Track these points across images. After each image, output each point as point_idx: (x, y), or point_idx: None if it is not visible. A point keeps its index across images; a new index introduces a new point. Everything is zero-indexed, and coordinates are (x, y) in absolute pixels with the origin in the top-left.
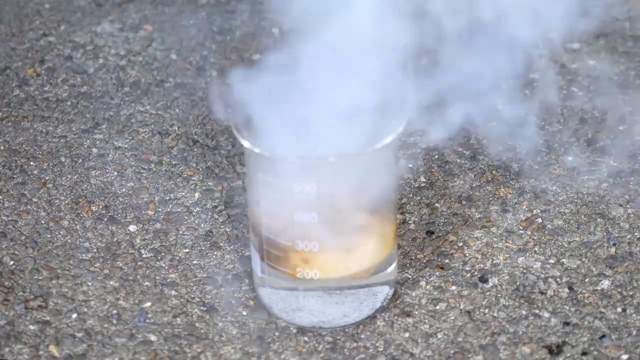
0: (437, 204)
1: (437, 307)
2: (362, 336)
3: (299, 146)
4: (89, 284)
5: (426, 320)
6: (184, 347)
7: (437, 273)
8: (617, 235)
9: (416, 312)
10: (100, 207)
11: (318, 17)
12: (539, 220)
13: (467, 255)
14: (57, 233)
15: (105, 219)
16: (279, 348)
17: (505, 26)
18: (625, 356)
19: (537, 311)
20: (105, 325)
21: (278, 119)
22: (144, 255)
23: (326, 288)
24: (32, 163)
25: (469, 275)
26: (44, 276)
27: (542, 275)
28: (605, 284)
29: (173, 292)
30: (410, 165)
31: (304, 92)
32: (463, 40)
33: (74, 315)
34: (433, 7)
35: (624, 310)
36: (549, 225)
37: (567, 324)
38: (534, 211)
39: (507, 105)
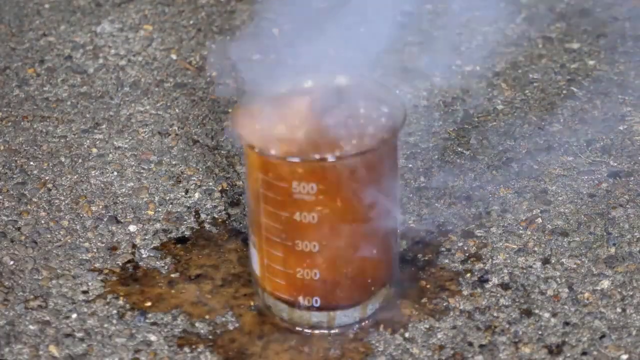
0: (437, 204)
1: (437, 307)
2: (362, 336)
3: (299, 146)
4: (89, 284)
5: (426, 320)
6: (184, 347)
7: (437, 273)
8: (617, 235)
9: (416, 312)
10: (100, 207)
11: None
12: (539, 220)
13: (467, 255)
14: (57, 233)
15: (105, 219)
16: (279, 348)
17: None
18: (625, 356)
19: (537, 311)
20: (105, 325)
21: (276, 119)
22: (144, 255)
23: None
24: (32, 163)
25: (469, 275)
26: (44, 276)
27: (542, 275)
28: (605, 284)
29: (173, 292)
30: (410, 165)
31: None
32: None
33: (74, 315)
34: None
35: (623, 310)
36: (549, 225)
37: (567, 324)
38: (534, 211)
39: None
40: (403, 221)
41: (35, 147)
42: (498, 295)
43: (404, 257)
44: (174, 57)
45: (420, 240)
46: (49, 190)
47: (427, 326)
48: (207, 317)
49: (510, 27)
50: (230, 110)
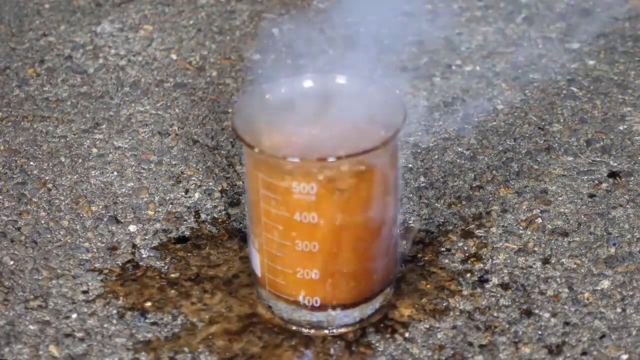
0: (437, 204)
1: (437, 307)
2: (363, 336)
3: (299, 146)
4: (89, 284)
5: (426, 320)
6: (184, 347)
7: (437, 273)
8: (617, 235)
9: (416, 312)
10: (100, 207)
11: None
12: (539, 220)
13: (467, 255)
14: (57, 233)
15: (105, 219)
16: (279, 348)
17: None
18: (625, 356)
19: (537, 311)
20: (105, 325)
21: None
22: (144, 255)
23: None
24: (32, 163)
25: (469, 275)
26: (44, 276)
27: (542, 275)
28: (605, 284)
29: (173, 292)
30: (410, 165)
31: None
32: None
33: (74, 315)
34: None
35: (623, 310)
36: (549, 225)
37: (567, 324)
38: (534, 211)
39: None
40: (403, 221)
41: (35, 147)
42: (498, 295)
43: (404, 257)
44: (174, 57)
45: (420, 240)
46: (49, 190)
47: (427, 326)
48: (207, 317)
49: (510, 27)
50: (230, 110)
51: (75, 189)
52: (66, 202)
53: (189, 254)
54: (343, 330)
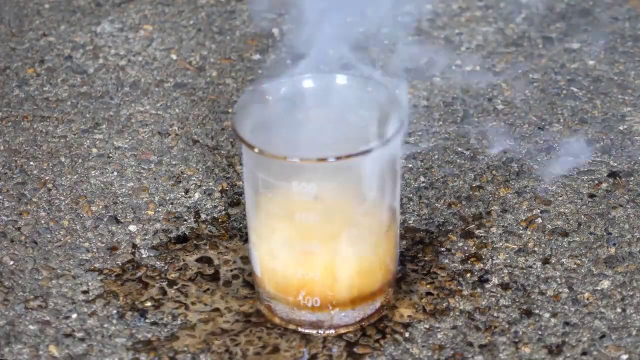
0: (437, 204)
1: (437, 307)
2: (363, 336)
3: (299, 147)
4: (89, 284)
5: (426, 320)
6: (184, 347)
7: (437, 273)
8: (617, 235)
9: (416, 313)
10: (100, 207)
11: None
12: (539, 220)
13: (467, 255)
14: (57, 233)
15: (105, 219)
16: (279, 348)
17: None
18: (625, 356)
19: (537, 311)
20: (105, 325)
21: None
22: (143, 255)
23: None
24: (32, 163)
25: (469, 275)
26: (44, 276)
27: (542, 275)
28: (605, 284)
29: (173, 292)
30: (410, 165)
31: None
32: None
33: (74, 315)
34: None
35: (623, 310)
36: (549, 226)
37: (567, 324)
38: (534, 211)
39: None
40: (403, 221)
41: (35, 147)
42: (498, 295)
43: (404, 257)
44: (174, 57)
45: (420, 240)
46: (49, 190)
47: (427, 326)
48: (206, 317)
49: (510, 27)
50: (230, 110)
51: (75, 189)
52: (66, 202)
53: (188, 254)
54: (343, 330)
